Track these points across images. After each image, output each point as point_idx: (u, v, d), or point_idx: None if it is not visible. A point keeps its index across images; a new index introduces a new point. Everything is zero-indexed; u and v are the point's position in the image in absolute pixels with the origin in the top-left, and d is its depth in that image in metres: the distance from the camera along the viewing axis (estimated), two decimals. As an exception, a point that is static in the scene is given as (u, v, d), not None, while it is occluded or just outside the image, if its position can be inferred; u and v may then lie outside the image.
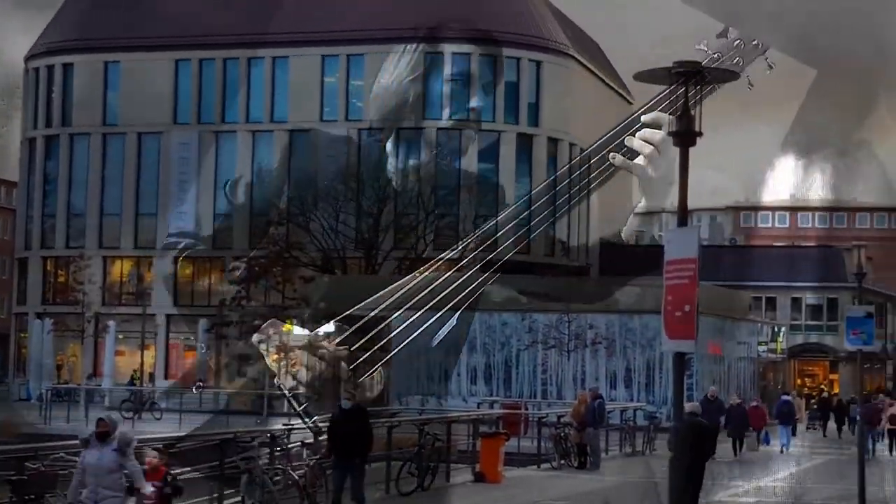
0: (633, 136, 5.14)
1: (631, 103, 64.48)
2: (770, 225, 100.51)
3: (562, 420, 29.18)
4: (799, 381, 70.78)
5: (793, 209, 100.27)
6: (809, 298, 70.38)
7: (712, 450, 18.54)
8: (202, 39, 61.52)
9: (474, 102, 59.22)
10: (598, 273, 60.93)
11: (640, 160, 5.28)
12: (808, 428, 46.89)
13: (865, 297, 50.80)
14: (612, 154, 5.06)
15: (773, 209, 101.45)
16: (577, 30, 64.79)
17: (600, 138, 5.70)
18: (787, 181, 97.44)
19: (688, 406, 18.55)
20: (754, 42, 5.19)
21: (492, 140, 59.26)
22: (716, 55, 5.07)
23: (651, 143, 5.29)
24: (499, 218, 58.30)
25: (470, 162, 59.02)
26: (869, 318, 22.25)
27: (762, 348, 57.68)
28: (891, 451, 36.05)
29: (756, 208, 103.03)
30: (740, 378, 53.01)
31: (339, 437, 18.65)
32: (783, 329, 62.79)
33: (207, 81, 62.59)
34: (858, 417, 25.59)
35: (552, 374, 47.26)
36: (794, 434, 40.29)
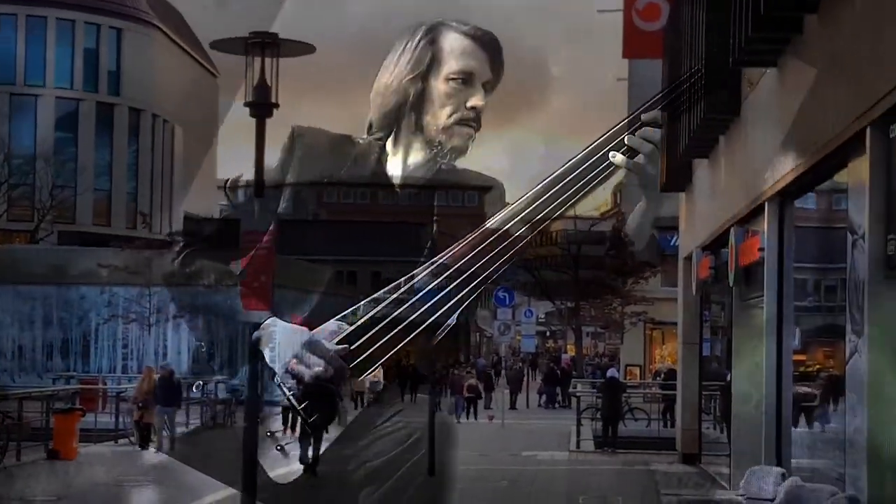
0: (633, 134, 5.13)
1: (216, 76, 64.09)
2: (352, 200, 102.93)
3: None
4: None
5: (374, 185, 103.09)
6: (387, 273, 72.57)
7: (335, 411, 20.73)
8: None
9: (51, 67, 57.19)
10: (181, 246, 60.32)
11: (639, 158, 5.26)
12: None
13: (440, 270, 52.84)
14: (612, 153, 5.04)
15: (356, 185, 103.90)
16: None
17: (597, 138, 5.50)
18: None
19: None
20: None
21: (70, 108, 57.41)
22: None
23: (651, 142, 5.27)
24: (77, 188, 56.92)
25: (46, 130, 56.97)
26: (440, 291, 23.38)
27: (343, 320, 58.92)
28: (467, 416, 39.28)
29: (340, 184, 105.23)
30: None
31: None
32: (363, 302, 64.44)
33: None
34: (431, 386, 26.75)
35: (133, 349, 46.50)
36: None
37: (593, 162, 5.07)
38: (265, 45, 10.17)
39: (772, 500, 11.99)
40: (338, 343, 5.14)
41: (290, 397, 5.29)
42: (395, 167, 5.76)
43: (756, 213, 14.69)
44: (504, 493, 20.75)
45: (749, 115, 15.50)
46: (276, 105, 10.77)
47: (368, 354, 5.09)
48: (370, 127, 5.79)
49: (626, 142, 4.88)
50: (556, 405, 47.56)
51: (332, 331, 5.16)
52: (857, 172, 10.20)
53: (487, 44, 5.74)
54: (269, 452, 5.27)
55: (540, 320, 79.54)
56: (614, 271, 52.32)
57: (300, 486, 5.19)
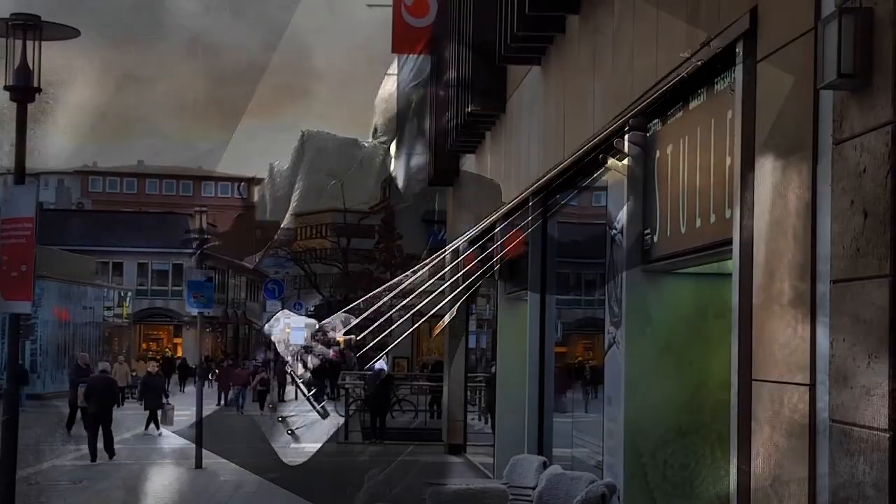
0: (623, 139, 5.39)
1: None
2: (118, 190, 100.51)
3: None
4: (144, 345, 71.53)
5: (141, 175, 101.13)
6: (155, 264, 71.25)
7: (119, 399, 24.76)
8: None
9: None
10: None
11: (627, 161, 5.50)
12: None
13: (208, 262, 52.29)
14: (602, 155, 5.30)
15: (122, 175, 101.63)
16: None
17: (585, 143, 5.55)
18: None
19: (100, 365, 24.54)
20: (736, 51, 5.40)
21: None
22: (699, 62, 5.34)
23: (637, 145, 5.54)
24: None
25: None
26: (209, 282, 23.18)
27: (108, 313, 57.60)
28: (260, 407, 39.99)
29: (104, 173, 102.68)
30: (86, 343, 52.64)
31: None
32: (129, 294, 63.12)
33: None
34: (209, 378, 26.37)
35: None
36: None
37: (586, 162, 5.38)
38: (27, 27, 9.87)
39: (533, 488, 12.32)
40: (345, 334, 5.35)
41: (301, 385, 5.47)
42: (398, 168, 5.92)
43: (520, 208, 15.01)
44: (272, 485, 20.64)
45: (514, 112, 15.83)
46: (39, 89, 10.45)
47: (373, 344, 5.32)
48: (375, 131, 5.91)
49: (614, 145, 5.20)
50: (326, 397, 47.56)
51: (339, 322, 5.37)
52: (616, 169, 10.55)
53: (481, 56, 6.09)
54: (279, 437, 5.43)
55: (309, 312, 79.54)
56: (383, 264, 52.70)
57: (309, 467, 5.42)
